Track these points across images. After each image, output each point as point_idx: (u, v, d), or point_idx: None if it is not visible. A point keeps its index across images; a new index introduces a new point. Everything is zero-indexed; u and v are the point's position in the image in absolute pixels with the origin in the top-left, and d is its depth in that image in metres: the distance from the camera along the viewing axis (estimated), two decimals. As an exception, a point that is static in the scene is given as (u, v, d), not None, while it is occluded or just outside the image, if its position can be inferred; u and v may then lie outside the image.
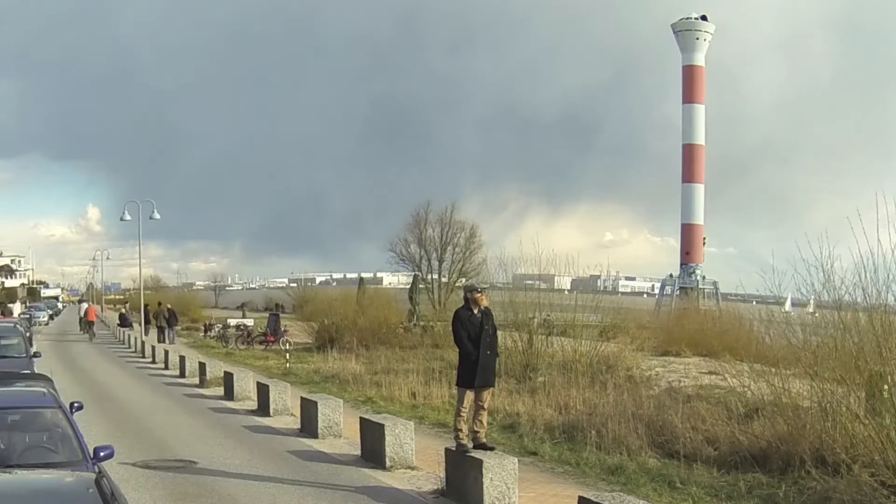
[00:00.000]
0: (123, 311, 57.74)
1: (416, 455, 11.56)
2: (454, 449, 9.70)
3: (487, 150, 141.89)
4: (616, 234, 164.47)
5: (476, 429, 9.59)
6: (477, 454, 9.31)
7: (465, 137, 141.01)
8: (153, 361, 30.56)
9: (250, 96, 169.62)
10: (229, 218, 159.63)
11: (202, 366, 23.32)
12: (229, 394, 19.63)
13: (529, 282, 27.61)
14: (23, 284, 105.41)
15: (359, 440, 12.48)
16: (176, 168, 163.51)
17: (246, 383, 19.57)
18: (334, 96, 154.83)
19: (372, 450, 11.83)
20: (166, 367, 27.73)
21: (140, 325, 42.03)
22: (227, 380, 20.22)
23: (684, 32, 63.31)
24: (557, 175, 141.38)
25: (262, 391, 17.35)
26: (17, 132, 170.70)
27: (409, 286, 44.62)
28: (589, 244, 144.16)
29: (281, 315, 43.25)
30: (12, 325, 22.43)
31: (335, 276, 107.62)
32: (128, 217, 40.43)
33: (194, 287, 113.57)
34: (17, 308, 67.32)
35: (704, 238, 63.63)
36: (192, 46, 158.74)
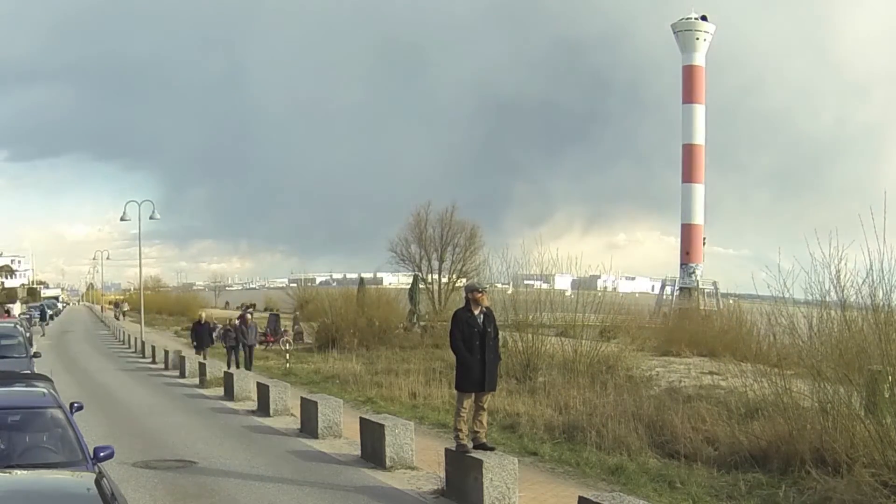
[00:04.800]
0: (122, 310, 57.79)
1: (416, 455, 11.54)
2: (454, 449, 9.67)
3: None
4: (629, 234, 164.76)
5: (476, 429, 9.56)
6: (477, 454, 9.29)
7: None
8: (153, 361, 30.57)
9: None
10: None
11: (202, 366, 23.33)
12: (229, 394, 19.63)
13: (529, 282, 27.63)
14: (23, 285, 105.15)
15: (359, 440, 12.46)
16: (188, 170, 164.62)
17: (246, 383, 19.56)
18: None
19: (372, 450, 11.82)
20: (166, 368, 27.73)
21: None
22: (227, 380, 20.22)
23: (684, 32, 63.36)
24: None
25: (263, 391, 17.34)
26: (67, 132, 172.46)
27: (409, 286, 44.57)
28: (601, 244, 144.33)
29: (280, 316, 43.25)
30: (13, 324, 22.45)
31: (335, 276, 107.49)
32: (128, 218, 40.42)
33: (194, 287, 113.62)
34: (17, 308, 67.16)
35: (704, 238, 63.69)
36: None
